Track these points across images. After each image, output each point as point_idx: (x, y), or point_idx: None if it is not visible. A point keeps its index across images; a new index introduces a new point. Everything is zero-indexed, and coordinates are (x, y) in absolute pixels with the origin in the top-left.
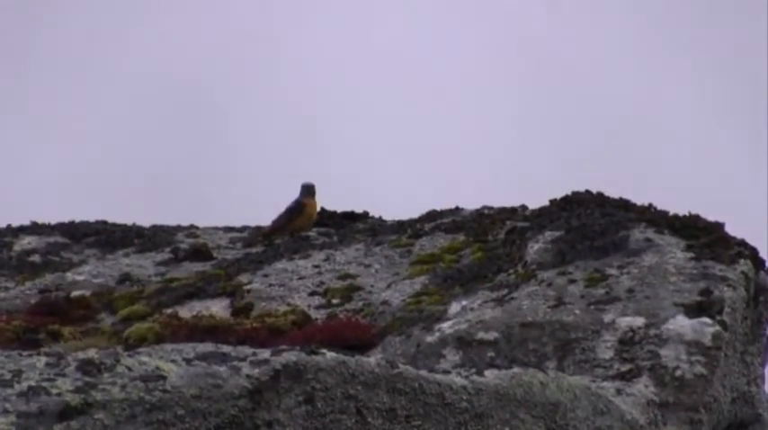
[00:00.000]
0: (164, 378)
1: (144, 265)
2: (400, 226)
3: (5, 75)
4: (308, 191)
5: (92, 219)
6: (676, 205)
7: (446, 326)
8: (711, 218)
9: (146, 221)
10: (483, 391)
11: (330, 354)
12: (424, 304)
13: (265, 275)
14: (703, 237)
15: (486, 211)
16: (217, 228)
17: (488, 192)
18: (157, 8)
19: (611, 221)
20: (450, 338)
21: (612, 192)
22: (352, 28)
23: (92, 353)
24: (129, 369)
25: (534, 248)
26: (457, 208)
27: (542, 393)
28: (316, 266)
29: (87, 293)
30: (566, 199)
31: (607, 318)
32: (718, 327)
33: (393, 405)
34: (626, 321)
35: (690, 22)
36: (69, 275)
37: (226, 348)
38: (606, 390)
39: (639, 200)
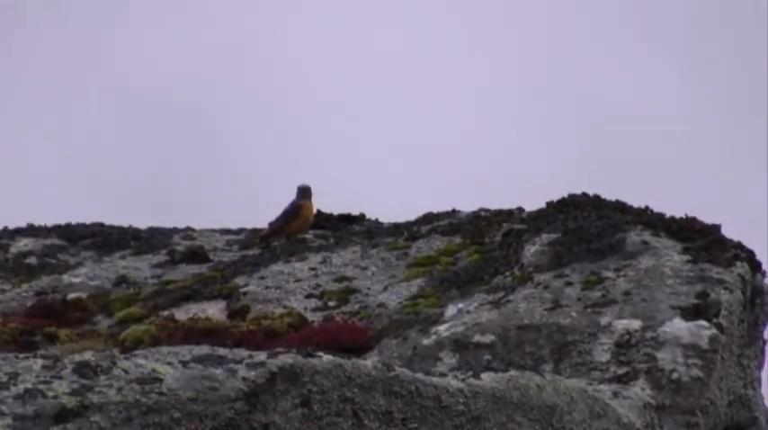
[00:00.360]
0: (160, 380)
1: (140, 268)
2: (397, 228)
3: (1, 75)
4: (305, 193)
5: (88, 221)
6: (674, 207)
7: (443, 328)
8: (708, 220)
9: (142, 223)
10: (479, 394)
11: (326, 357)
12: (421, 307)
13: (262, 278)
14: (700, 239)
15: (482, 214)
16: (213, 231)
17: (485, 193)
18: (158, 8)
19: (607, 224)
20: (446, 341)
21: (610, 194)
22: (351, 28)
23: (88, 356)
24: (126, 371)
25: (531, 251)
26: (453, 210)
27: (539, 396)
28: (312, 269)
29: (84, 295)
30: (562, 201)
31: (604, 320)
32: (714, 330)
33: (389, 408)
34: (622, 324)
35: (691, 22)
36: (66, 277)
37: (222, 351)
38: (603, 393)
39: (637, 201)
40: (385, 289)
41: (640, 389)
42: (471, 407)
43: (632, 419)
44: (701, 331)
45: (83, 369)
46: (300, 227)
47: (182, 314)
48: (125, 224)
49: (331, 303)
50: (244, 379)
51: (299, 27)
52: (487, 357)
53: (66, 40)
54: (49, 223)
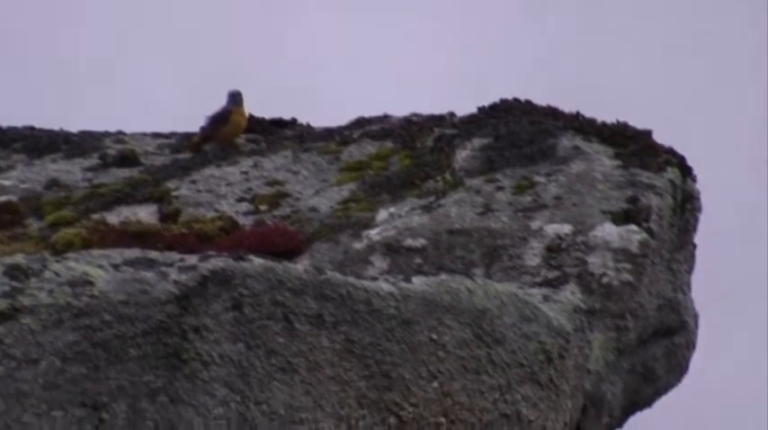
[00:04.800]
0: (91, 283)
1: (72, 171)
2: (329, 133)
3: None
4: (236, 99)
5: (19, 124)
6: (605, 113)
7: (374, 232)
8: (640, 125)
9: (73, 127)
10: (410, 298)
11: (258, 261)
12: (352, 211)
13: (193, 182)
14: (631, 145)
15: (414, 119)
16: (145, 134)
17: (417, 97)
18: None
19: (539, 129)
20: (377, 245)
21: (541, 101)
22: None
23: (19, 259)
24: (57, 274)
25: (462, 156)
26: (385, 115)
27: (469, 300)
28: (243, 173)
29: (14, 199)
30: (494, 106)
31: (534, 225)
32: (644, 235)
33: (320, 311)
34: (553, 228)
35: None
36: None
37: (153, 254)
38: (533, 297)
39: (568, 108)
40: (316, 193)
41: (570, 293)
42: (402, 311)
43: (562, 323)
44: (632, 236)
45: (14, 271)
46: (232, 132)
47: (113, 217)
48: (56, 128)
49: (262, 207)
50: (175, 282)
51: None
52: (418, 261)
53: None
54: None
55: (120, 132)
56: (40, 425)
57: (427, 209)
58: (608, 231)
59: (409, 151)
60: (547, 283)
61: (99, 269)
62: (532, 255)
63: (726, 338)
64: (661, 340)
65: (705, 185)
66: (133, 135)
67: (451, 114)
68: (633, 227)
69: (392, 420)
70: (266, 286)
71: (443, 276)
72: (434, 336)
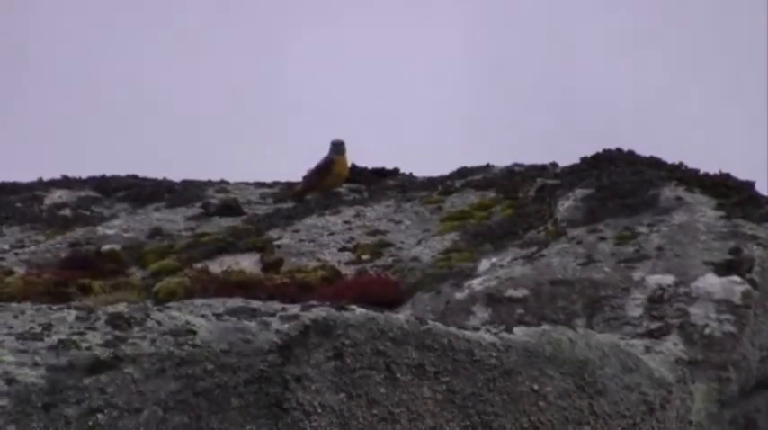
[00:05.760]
0: (193, 332)
1: (174, 220)
2: (431, 182)
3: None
4: (338, 148)
5: (122, 173)
6: (706, 164)
7: (476, 282)
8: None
9: (176, 176)
10: (512, 348)
11: (359, 310)
12: (454, 261)
13: (296, 231)
14: (734, 195)
15: (516, 169)
16: (247, 184)
17: (519, 148)
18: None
19: (641, 179)
20: (479, 295)
21: (643, 151)
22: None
23: (122, 308)
24: (159, 323)
25: (564, 206)
26: (488, 165)
27: (571, 350)
28: (346, 222)
29: (117, 247)
30: (596, 156)
31: (636, 275)
32: (747, 286)
33: (422, 361)
34: (655, 279)
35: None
36: (100, 229)
37: (255, 303)
38: (635, 348)
39: (670, 158)
40: (418, 243)
41: (672, 344)
42: (504, 361)
43: (664, 374)
44: (734, 287)
45: (116, 320)
46: (333, 182)
47: (215, 266)
48: (159, 177)
49: (364, 257)
50: (277, 331)
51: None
52: (520, 311)
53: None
54: (83, 175)
55: (223, 181)
56: None
57: (529, 259)
58: (710, 282)
59: (511, 201)
60: (649, 334)
61: (201, 318)
62: (634, 306)
63: None
64: (764, 392)
65: None
66: (236, 184)
67: (554, 164)
68: (736, 278)
69: None
70: (368, 336)
71: (545, 326)
72: (536, 387)
